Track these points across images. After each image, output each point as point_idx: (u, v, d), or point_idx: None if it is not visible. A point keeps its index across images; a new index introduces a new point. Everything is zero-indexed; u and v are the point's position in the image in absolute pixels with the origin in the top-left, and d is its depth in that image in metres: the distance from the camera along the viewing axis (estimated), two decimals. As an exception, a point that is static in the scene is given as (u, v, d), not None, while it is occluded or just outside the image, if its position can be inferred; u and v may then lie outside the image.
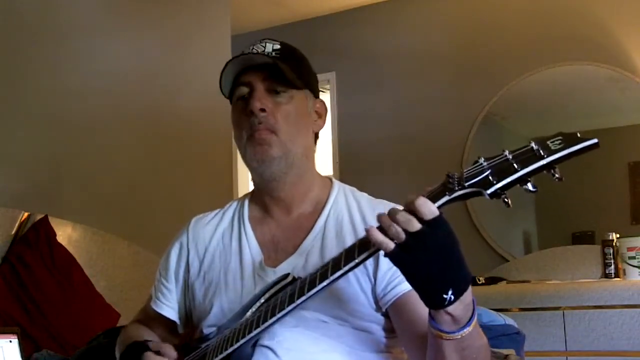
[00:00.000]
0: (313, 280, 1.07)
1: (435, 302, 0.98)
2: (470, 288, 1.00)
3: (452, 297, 0.96)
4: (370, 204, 1.30)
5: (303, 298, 1.06)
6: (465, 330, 1.00)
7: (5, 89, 2.83)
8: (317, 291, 1.06)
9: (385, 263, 1.19)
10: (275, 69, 1.26)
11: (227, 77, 1.30)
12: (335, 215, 1.30)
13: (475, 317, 1.02)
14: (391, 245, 0.96)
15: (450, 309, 0.97)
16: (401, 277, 1.13)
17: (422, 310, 1.10)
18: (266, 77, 1.27)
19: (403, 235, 0.95)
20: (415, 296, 1.11)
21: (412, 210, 0.96)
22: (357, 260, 1.03)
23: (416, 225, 0.95)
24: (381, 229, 0.97)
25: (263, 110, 1.25)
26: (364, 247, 1.03)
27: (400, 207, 0.99)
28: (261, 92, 1.26)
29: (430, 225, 0.96)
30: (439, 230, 0.97)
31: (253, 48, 1.28)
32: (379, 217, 0.98)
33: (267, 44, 1.29)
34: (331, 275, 1.04)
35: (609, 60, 3.85)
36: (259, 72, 1.28)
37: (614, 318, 2.97)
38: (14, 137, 2.84)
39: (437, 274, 0.97)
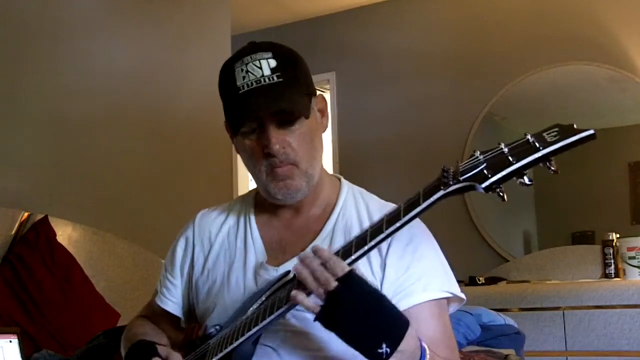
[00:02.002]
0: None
1: (374, 358, 0.97)
2: (410, 333, 0.99)
3: (388, 350, 0.96)
4: (380, 208, 1.26)
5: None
6: None
7: (5, 89, 2.83)
8: (287, 309, 1.06)
9: (392, 273, 1.18)
10: (277, 100, 1.17)
11: (237, 116, 1.19)
12: (344, 219, 1.27)
13: (426, 358, 1.03)
14: (318, 308, 0.98)
15: None
16: (404, 292, 1.16)
17: (418, 329, 1.11)
18: (276, 111, 1.18)
19: (324, 296, 0.97)
20: (415, 315, 1.14)
21: (325, 267, 0.98)
22: (353, 257, 1.03)
23: (332, 284, 0.97)
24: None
25: (283, 146, 1.19)
26: (360, 245, 1.03)
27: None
28: (275, 129, 1.18)
29: (343, 282, 0.97)
30: (354, 286, 0.98)
31: (249, 73, 1.19)
32: (300, 274, 1.00)
33: (262, 61, 1.19)
34: None
35: (609, 60, 3.85)
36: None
37: (614, 318, 2.97)
38: (14, 137, 2.83)
39: (366, 330, 0.97)
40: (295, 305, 1.06)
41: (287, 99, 1.18)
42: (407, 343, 0.99)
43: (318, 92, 1.29)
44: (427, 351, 1.04)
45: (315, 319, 0.99)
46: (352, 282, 0.98)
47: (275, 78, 1.18)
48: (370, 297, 0.99)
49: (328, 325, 0.99)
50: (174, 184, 3.47)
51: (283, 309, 1.07)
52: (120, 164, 3.25)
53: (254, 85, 1.18)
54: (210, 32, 3.87)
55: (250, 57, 1.20)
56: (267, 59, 1.20)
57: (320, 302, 0.99)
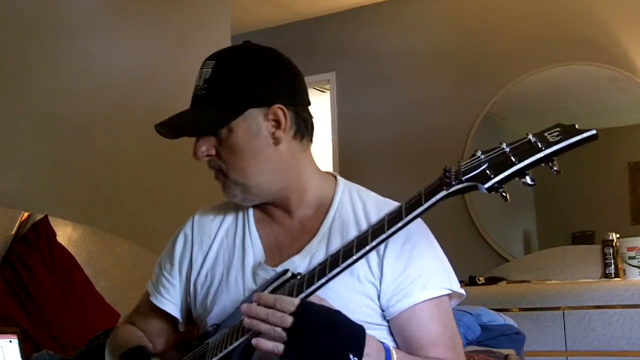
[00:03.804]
0: (311, 277, 1.07)
1: None
2: (368, 336, 1.03)
3: (356, 358, 0.99)
4: (377, 206, 1.26)
5: (301, 296, 1.06)
6: None
7: (6, 89, 2.83)
8: (316, 288, 1.06)
9: (390, 273, 1.18)
10: (191, 119, 1.23)
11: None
12: (341, 218, 1.26)
13: (393, 356, 1.05)
14: (281, 346, 0.99)
15: None
16: (403, 292, 1.16)
17: (417, 330, 1.13)
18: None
19: (284, 334, 0.99)
20: (415, 315, 1.15)
21: (275, 309, 1.01)
22: (354, 257, 1.04)
23: (288, 320, 0.99)
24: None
25: (209, 155, 1.24)
26: (361, 245, 1.04)
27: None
28: (202, 138, 1.24)
29: (298, 314, 0.99)
30: (308, 313, 1.00)
31: (197, 79, 1.26)
32: (254, 325, 1.02)
33: (204, 70, 1.24)
34: (329, 272, 1.05)
35: (609, 60, 3.85)
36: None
37: (614, 318, 2.97)
38: (14, 137, 2.83)
39: (331, 349, 0.99)
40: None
41: (203, 116, 1.22)
42: (370, 346, 1.02)
43: (277, 106, 1.22)
44: (391, 348, 1.07)
45: (282, 358, 1.01)
46: (308, 311, 1.01)
47: (203, 90, 1.23)
48: (326, 316, 1.02)
49: (295, 358, 1.00)
50: (174, 184, 3.46)
51: None
52: (121, 164, 3.25)
53: (194, 93, 1.24)
54: (210, 32, 3.86)
55: (203, 64, 1.25)
56: (209, 68, 1.24)
57: (279, 343, 1.00)
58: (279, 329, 0.99)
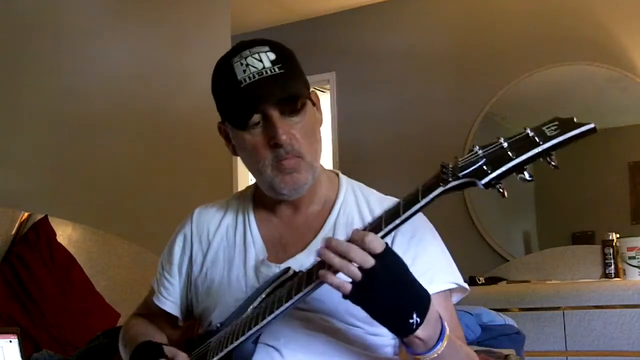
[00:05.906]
0: (310, 275, 1.05)
1: (404, 330, 0.98)
2: (432, 304, 1.00)
3: (418, 319, 0.97)
4: (381, 204, 1.26)
5: (299, 295, 1.05)
6: (438, 346, 1.00)
7: (6, 89, 2.83)
8: (314, 287, 1.04)
9: None
10: (283, 88, 1.17)
11: (242, 108, 1.18)
12: (345, 215, 1.26)
13: (447, 332, 1.02)
14: (349, 287, 0.96)
15: (418, 332, 0.97)
16: None
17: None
18: (278, 101, 1.17)
19: (360, 274, 0.95)
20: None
21: (361, 247, 0.96)
22: None
23: (371, 261, 0.95)
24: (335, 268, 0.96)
25: (293, 136, 1.18)
26: None
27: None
28: (280, 120, 1.17)
29: (381, 258, 0.96)
30: (390, 260, 0.97)
31: (250, 66, 1.17)
32: (327, 257, 0.97)
33: (261, 54, 1.18)
34: None
35: (609, 60, 3.86)
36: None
37: (614, 318, 2.97)
38: (14, 137, 2.84)
39: (399, 303, 0.97)
40: (299, 299, 1.05)
41: (293, 87, 1.18)
42: (431, 312, 0.99)
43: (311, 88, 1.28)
44: (444, 321, 1.05)
45: (346, 297, 0.97)
46: (390, 258, 0.97)
47: (277, 69, 1.17)
48: (403, 269, 0.98)
49: (358, 301, 0.97)
50: (174, 183, 3.47)
51: (284, 307, 1.06)
52: (121, 164, 3.25)
53: (257, 77, 1.16)
54: (210, 32, 3.87)
55: (249, 51, 1.19)
56: (265, 52, 1.19)
57: (348, 280, 0.96)
58: (355, 268, 0.95)
